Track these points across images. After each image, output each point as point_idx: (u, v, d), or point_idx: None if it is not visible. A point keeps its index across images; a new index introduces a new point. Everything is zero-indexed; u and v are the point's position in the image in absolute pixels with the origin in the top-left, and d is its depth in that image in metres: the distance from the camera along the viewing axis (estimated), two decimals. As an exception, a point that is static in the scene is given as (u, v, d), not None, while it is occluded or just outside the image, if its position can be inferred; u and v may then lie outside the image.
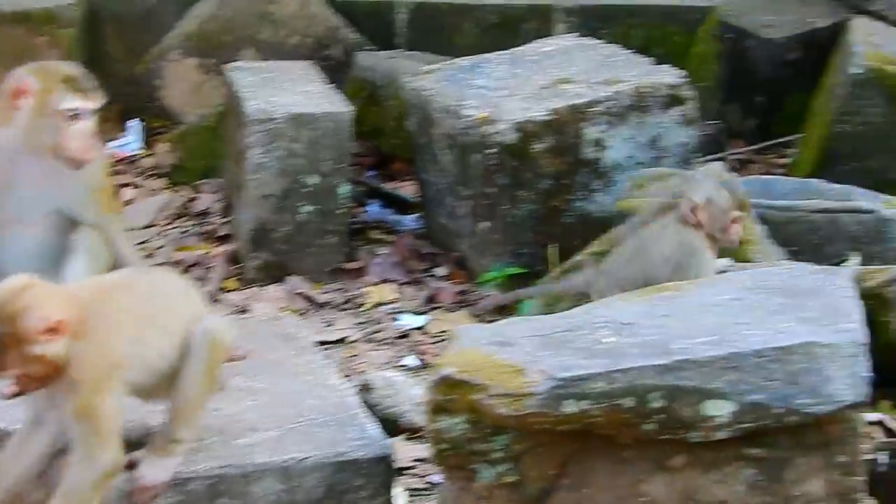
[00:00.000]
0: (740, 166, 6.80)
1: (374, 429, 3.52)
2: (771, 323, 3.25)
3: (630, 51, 5.74)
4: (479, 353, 3.18)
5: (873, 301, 4.02)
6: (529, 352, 3.16)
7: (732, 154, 6.84)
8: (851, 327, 3.23)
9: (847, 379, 3.12)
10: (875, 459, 3.57)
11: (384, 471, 3.42)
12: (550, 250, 5.17)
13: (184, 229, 5.93)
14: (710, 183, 4.33)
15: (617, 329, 3.26)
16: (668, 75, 5.38)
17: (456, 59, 5.78)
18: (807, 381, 3.09)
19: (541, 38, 6.24)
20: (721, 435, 3.09)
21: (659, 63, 5.67)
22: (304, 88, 5.68)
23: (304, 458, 3.36)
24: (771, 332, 3.18)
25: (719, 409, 3.07)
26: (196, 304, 3.31)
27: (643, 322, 3.30)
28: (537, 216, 5.22)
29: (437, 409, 3.14)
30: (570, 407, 3.04)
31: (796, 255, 4.67)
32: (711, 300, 3.45)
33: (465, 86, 5.44)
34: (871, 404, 3.99)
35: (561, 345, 3.19)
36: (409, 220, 5.98)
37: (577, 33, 6.41)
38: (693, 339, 3.16)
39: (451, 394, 3.12)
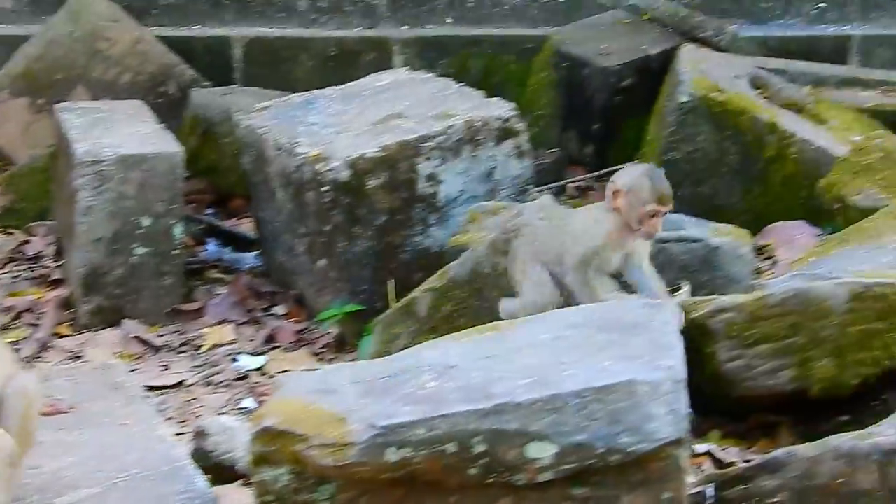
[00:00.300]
0: (580, 193, 6.88)
1: (201, 481, 3.47)
2: (593, 361, 3.28)
3: (462, 84, 5.75)
4: (301, 402, 3.17)
5: (699, 332, 4.08)
6: (352, 400, 3.15)
7: (571, 182, 6.92)
8: (671, 364, 3.27)
9: (667, 416, 3.16)
10: (703, 492, 3.60)
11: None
12: (389, 286, 5.15)
13: (15, 274, 5.80)
14: (639, 169, 4.22)
15: (440, 373, 3.26)
16: (499, 108, 5.40)
17: (289, 96, 5.76)
18: (628, 419, 3.13)
19: (380, 69, 6.25)
20: (545, 477, 3.11)
21: (496, 93, 5.71)
22: (135, 128, 5.60)
23: (126, 516, 3.30)
24: (592, 371, 3.21)
25: (542, 452, 3.09)
26: (5, 363, 3.23)
27: (467, 364, 3.31)
28: (374, 252, 5.20)
29: (260, 461, 3.11)
30: (392, 455, 3.03)
31: (627, 286, 4.72)
32: (535, 339, 3.47)
33: (297, 123, 5.41)
34: (701, 435, 4.09)
35: (384, 391, 3.19)
36: (249, 258, 5.93)
37: (415, 65, 6.45)
38: (515, 382, 3.17)
39: (273, 445, 3.09)
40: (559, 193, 6.84)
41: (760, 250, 5.76)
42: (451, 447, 3.04)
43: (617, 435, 3.11)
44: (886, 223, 4.96)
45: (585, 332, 3.48)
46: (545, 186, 6.65)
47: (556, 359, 3.31)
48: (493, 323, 3.74)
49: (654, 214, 4.15)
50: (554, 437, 3.08)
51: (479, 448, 3.06)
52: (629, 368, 3.22)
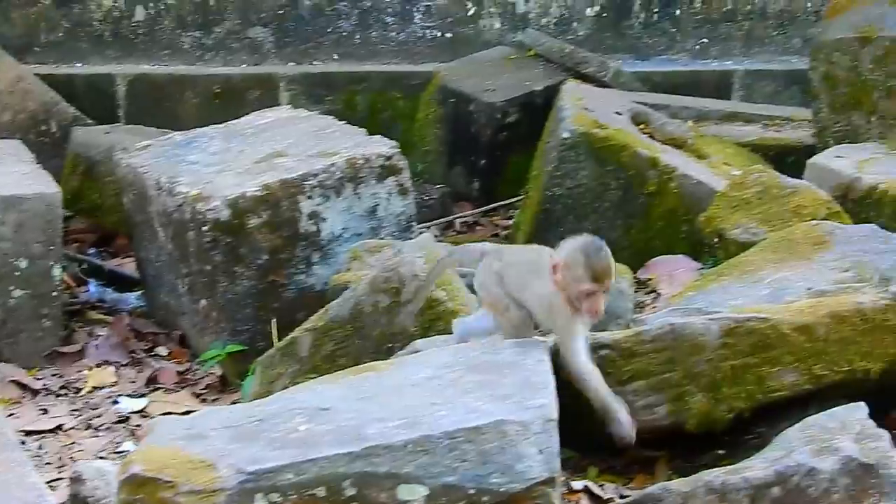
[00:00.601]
0: (467, 229, 6.92)
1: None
2: (465, 402, 3.29)
3: (346, 121, 5.76)
4: (169, 448, 3.13)
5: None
6: (221, 445, 3.13)
7: (458, 217, 6.95)
8: (543, 403, 3.30)
9: (538, 455, 3.18)
10: (579, 528, 3.63)
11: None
12: (271, 326, 5.13)
13: None
14: (576, 243, 3.78)
15: (312, 416, 3.25)
16: (381, 146, 5.42)
17: (171, 134, 5.73)
18: (499, 459, 3.14)
19: (266, 106, 6.25)
20: (417, 518, 3.11)
21: (384, 129, 5.76)
22: (12, 168, 5.53)
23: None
24: (463, 412, 3.23)
25: (413, 494, 3.09)
26: None
27: (340, 406, 3.31)
28: (256, 292, 5.18)
29: (128, 509, 3.07)
30: (260, 501, 3.01)
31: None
32: (410, 380, 3.48)
33: (178, 161, 5.38)
34: (579, 471, 4.12)
35: (254, 435, 3.17)
36: (132, 299, 5.88)
37: (302, 101, 6.45)
38: (387, 423, 3.18)
39: (139, 492, 3.06)
40: (446, 229, 6.89)
41: (643, 284, 5.83)
42: (320, 491, 3.03)
43: (488, 476, 3.12)
44: (763, 257, 5.03)
45: (459, 373, 3.50)
46: (432, 223, 6.70)
47: (429, 400, 3.32)
48: (370, 364, 3.74)
49: (590, 293, 3.73)
50: (425, 478, 3.08)
51: (350, 491, 3.05)
52: (500, 409, 3.23)
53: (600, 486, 4.05)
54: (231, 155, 5.42)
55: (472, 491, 3.11)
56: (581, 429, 4.17)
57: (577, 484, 4.03)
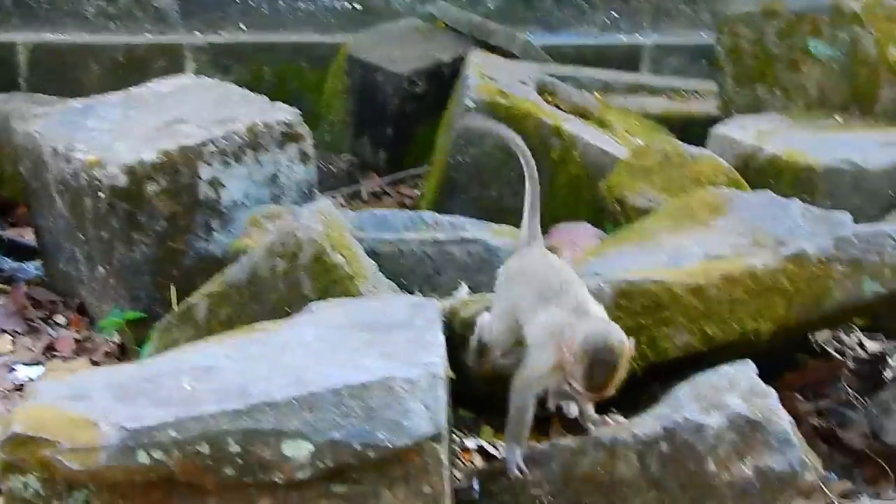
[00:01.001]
0: (374, 199, 6.92)
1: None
2: (352, 360, 3.30)
3: (248, 90, 5.72)
4: (52, 408, 3.11)
5: (471, 330, 4.13)
6: (104, 404, 3.12)
7: (366, 187, 6.95)
8: (431, 360, 3.31)
9: (425, 412, 3.20)
10: (471, 485, 3.65)
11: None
12: (171, 292, 5.09)
13: None
14: (591, 342, 3.51)
15: (198, 375, 3.25)
16: (282, 113, 5.39)
17: (69, 101, 5.65)
18: (386, 416, 3.16)
19: (171, 76, 6.18)
20: (303, 475, 3.12)
21: (292, 99, 5.71)
22: None
23: None
24: (351, 369, 3.24)
25: (298, 450, 3.10)
26: None
27: (226, 365, 3.31)
28: (155, 259, 5.14)
29: (9, 469, 3.05)
30: (143, 458, 3.01)
31: (408, 288, 4.76)
32: (298, 340, 3.48)
33: (76, 128, 5.31)
34: (473, 431, 4.15)
35: (137, 395, 3.16)
36: (31, 268, 5.80)
37: (208, 71, 6.39)
38: (272, 381, 3.18)
39: (21, 451, 3.04)
40: (353, 198, 6.88)
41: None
42: (204, 448, 3.03)
43: (374, 431, 3.13)
44: (661, 223, 5.07)
45: (348, 332, 3.51)
46: (338, 191, 6.69)
47: (317, 358, 3.33)
48: (260, 324, 3.73)
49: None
50: (310, 435, 3.09)
51: (234, 448, 3.05)
52: (387, 366, 3.25)
53: (494, 445, 4.08)
54: (130, 122, 5.36)
55: (358, 447, 3.12)
56: (476, 390, 4.21)
57: (471, 443, 4.06)
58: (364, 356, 3.33)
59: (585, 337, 3.52)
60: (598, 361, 3.49)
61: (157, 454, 3.00)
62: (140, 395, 3.15)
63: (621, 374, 3.52)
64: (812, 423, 4.52)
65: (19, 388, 4.90)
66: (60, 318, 5.39)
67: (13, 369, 5.01)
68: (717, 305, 4.19)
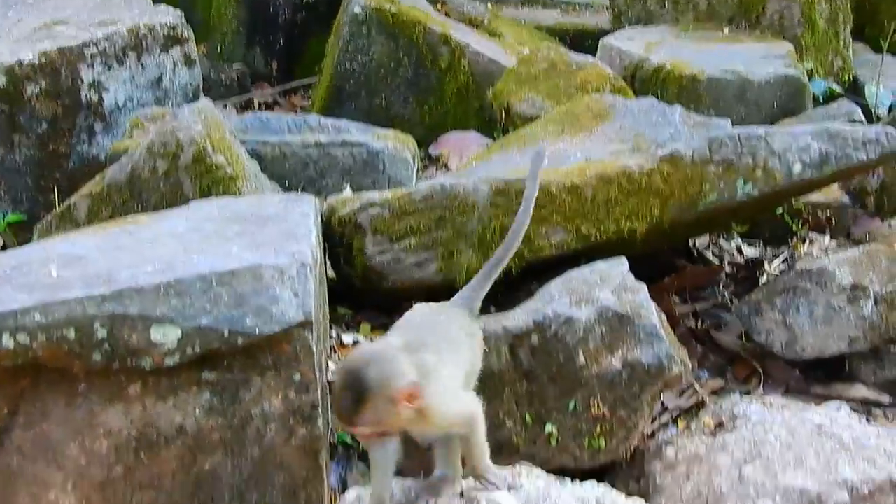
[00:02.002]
0: (266, 108, 6.89)
1: None
2: (223, 249, 3.31)
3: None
4: (-83, 294, 3.09)
5: (348, 228, 4.16)
6: (-30, 290, 3.10)
7: (257, 97, 6.92)
8: (301, 249, 3.32)
9: (294, 299, 3.21)
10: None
11: None
12: (54, 195, 5.06)
13: None
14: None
15: (66, 263, 3.24)
16: (165, 15, 5.36)
17: (-54, 2, 5.57)
18: (254, 302, 3.17)
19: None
20: (172, 361, 3.13)
21: (183, 8, 5.65)
22: None
23: None
24: (221, 257, 3.25)
25: (166, 336, 3.11)
26: None
27: (94, 255, 3.30)
28: (37, 161, 5.11)
29: None
30: (7, 342, 3.01)
31: (291, 190, 4.78)
32: (169, 231, 3.49)
33: (-47, 29, 5.24)
34: (352, 328, 4.19)
35: (4, 281, 3.16)
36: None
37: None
38: (140, 269, 3.18)
39: None
40: (245, 108, 6.85)
41: (434, 160, 5.90)
42: (70, 333, 3.03)
43: (242, 318, 3.15)
44: (545, 129, 5.12)
45: (221, 224, 3.51)
46: (229, 100, 6.66)
47: (186, 248, 3.33)
48: (132, 216, 3.73)
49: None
50: (178, 320, 3.10)
51: (101, 333, 3.06)
52: (257, 255, 3.26)
53: (371, 340, 4.12)
54: (8, 23, 5.29)
55: (226, 333, 3.14)
56: (354, 287, 4.25)
57: (348, 338, 4.10)
58: (235, 246, 3.33)
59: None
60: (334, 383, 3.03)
61: (23, 338, 3.00)
62: (5, 282, 3.14)
63: (368, 409, 2.90)
64: (688, 325, 4.61)
65: None
66: (-59, 223, 5.33)
67: None
68: (592, 205, 4.25)
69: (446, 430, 3.14)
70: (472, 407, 3.14)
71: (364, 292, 4.23)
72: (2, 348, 3.00)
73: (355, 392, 2.88)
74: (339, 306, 4.27)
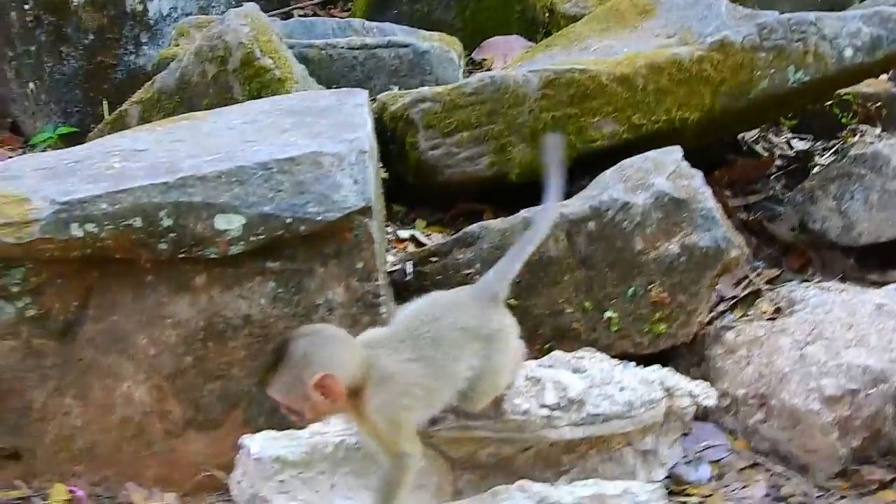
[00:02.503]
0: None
1: None
2: (281, 139, 3.32)
3: None
4: (-19, 188, 3.12)
5: (400, 124, 4.17)
6: (35, 182, 3.13)
7: (297, 9, 6.89)
8: (358, 137, 3.32)
9: (353, 186, 3.22)
10: (402, 268, 3.71)
11: None
12: (103, 105, 5.08)
13: None
14: None
15: (127, 156, 3.27)
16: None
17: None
18: (315, 190, 3.18)
19: None
20: (236, 249, 3.15)
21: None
22: None
23: None
24: (279, 146, 3.26)
25: (230, 223, 3.13)
26: None
27: (154, 148, 3.33)
28: (85, 73, 5.12)
29: (-57, 247, 3.07)
30: (76, 231, 3.03)
31: (339, 92, 4.77)
32: (225, 125, 3.50)
33: (2, -58, 5.24)
34: (406, 225, 4.21)
35: (68, 174, 3.18)
36: (-40, 93, 5.75)
37: None
38: (201, 159, 3.20)
39: (-47, 230, 3.05)
40: (285, 20, 6.82)
41: (478, 65, 5.88)
42: (136, 221, 3.06)
43: (304, 205, 3.16)
44: (590, 27, 5.10)
45: (274, 117, 3.53)
46: (269, 14, 6.63)
47: (244, 139, 3.35)
48: (187, 114, 3.74)
49: None
50: (241, 208, 3.12)
51: (167, 222, 3.08)
52: (315, 143, 3.27)
53: (427, 235, 4.14)
54: (52, -66, 5.29)
55: (288, 220, 3.15)
56: (407, 184, 4.26)
57: (404, 233, 4.12)
58: (291, 135, 3.34)
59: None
60: None
61: (90, 227, 3.03)
62: (70, 175, 3.16)
63: (279, 380, 2.70)
64: (741, 217, 4.60)
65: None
66: (-7, 138, 5.38)
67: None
68: (643, 94, 4.23)
69: (373, 445, 2.83)
70: (409, 448, 2.80)
71: (417, 188, 4.24)
72: (71, 238, 3.03)
73: (275, 357, 2.70)
74: (393, 204, 4.28)
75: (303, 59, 4.77)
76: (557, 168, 3.16)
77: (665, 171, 3.76)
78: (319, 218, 3.17)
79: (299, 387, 2.67)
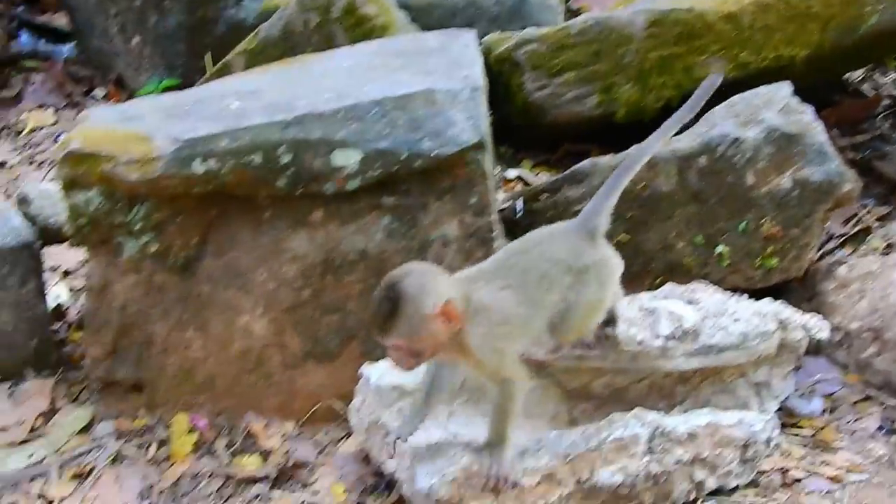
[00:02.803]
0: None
1: (17, 220, 3.49)
2: (393, 78, 3.35)
3: None
4: (105, 129, 3.18)
5: (506, 66, 4.17)
6: (156, 122, 3.19)
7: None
8: (470, 74, 3.35)
9: (468, 121, 3.24)
10: (513, 205, 3.73)
11: (28, 258, 3.41)
12: (206, 59, 5.12)
13: None
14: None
15: (243, 96, 3.31)
16: None
17: None
18: (430, 126, 3.21)
19: None
20: (353, 185, 3.19)
21: None
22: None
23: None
24: (392, 84, 3.29)
25: (347, 159, 3.16)
26: None
27: (269, 89, 3.37)
28: (187, 27, 5.15)
29: (71, 185, 3.14)
30: (198, 167, 3.08)
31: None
32: (336, 66, 3.53)
33: None
34: (514, 165, 4.22)
35: (187, 114, 3.23)
36: (65, 49, 5.83)
37: None
38: (317, 97, 3.23)
39: (80, 167, 3.12)
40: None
41: (576, 13, 5.84)
42: (256, 158, 3.10)
43: (419, 140, 3.19)
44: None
45: (384, 58, 3.55)
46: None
47: (357, 78, 3.37)
48: (297, 56, 3.78)
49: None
50: (358, 144, 3.15)
51: (285, 158, 3.12)
52: (427, 80, 3.29)
53: (535, 175, 4.15)
54: None
55: (404, 156, 3.18)
56: (513, 125, 4.27)
57: (512, 173, 4.13)
58: (403, 74, 3.37)
59: None
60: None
61: (212, 163, 3.08)
62: (190, 115, 3.22)
63: (403, 320, 2.69)
64: (848, 157, 4.56)
65: (65, 156, 4.97)
66: (99, 92, 5.44)
67: (58, 138, 5.08)
68: (750, 32, 4.20)
69: (480, 377, 2.88)
70: (514, 375, 2.82)
71: (524, 129, 4.25)
72: (193, 173, 3.08)
73: (391, 301, 2.66)
74: (499, 146, 4.29)
75: (403, 6, 4.78)
76: (695, 101, 3.11)
77: (776, 106, 3.74)
78: (434, 153, 3.19)
79: (423, 320, 2.67)
